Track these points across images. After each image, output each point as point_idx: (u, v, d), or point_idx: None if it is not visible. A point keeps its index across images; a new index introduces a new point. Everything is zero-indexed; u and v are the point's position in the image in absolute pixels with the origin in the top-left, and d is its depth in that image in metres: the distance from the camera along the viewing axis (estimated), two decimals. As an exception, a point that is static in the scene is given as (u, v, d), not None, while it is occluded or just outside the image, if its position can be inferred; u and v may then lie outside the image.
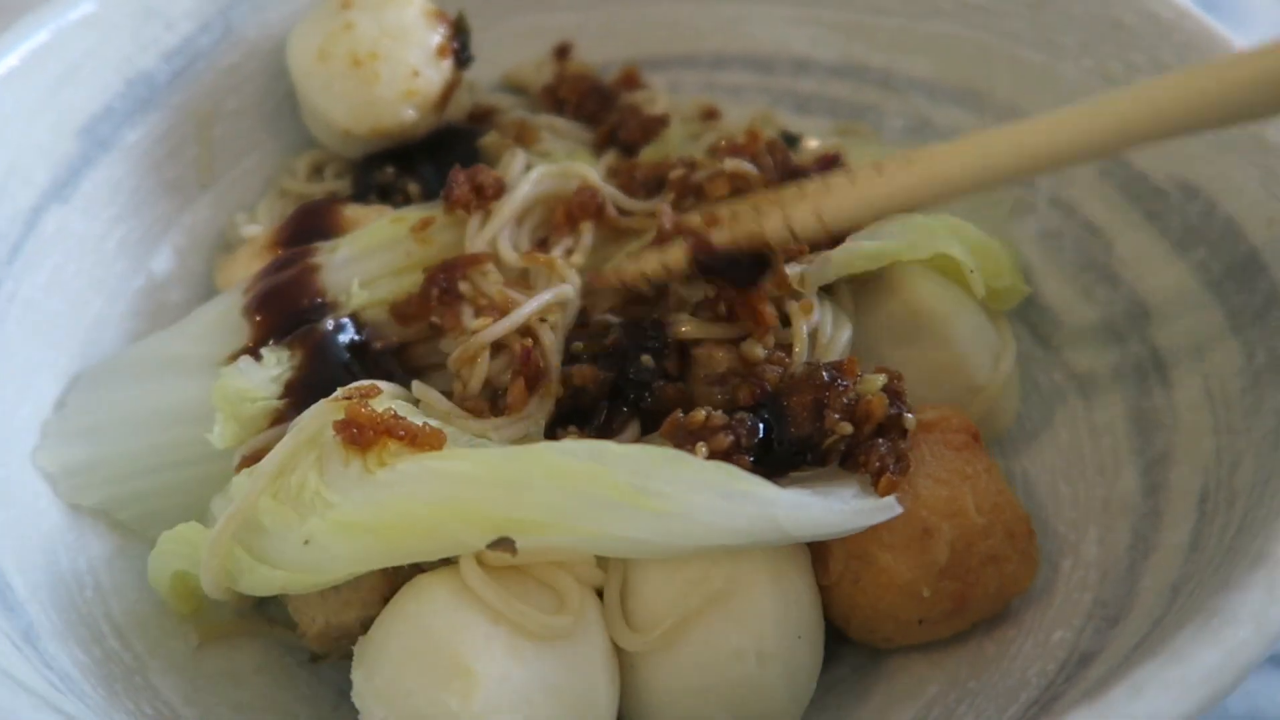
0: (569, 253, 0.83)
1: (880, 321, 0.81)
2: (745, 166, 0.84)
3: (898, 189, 0.68)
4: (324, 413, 0.70)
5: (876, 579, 0.70)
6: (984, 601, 0.72)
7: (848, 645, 0.76)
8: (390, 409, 0.70)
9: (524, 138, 0.93)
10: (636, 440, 0.74)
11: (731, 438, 0.67)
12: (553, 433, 0.74)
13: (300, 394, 0.75)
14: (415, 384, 0.77)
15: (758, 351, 0.74)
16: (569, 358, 0.77)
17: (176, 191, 0.98)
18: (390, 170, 0.95)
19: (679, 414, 0.70)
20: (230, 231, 0.99)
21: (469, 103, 1.00)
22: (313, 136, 1.01)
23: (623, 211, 0.86)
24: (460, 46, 0.96)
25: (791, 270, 0.76)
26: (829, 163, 0.87)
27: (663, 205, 0.83)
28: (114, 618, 0.74)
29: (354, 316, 0.81)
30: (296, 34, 0.96)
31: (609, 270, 0.80)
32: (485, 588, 0.64)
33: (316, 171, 1.01)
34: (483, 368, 0.75)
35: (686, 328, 0.77)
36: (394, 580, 0.69)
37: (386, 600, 0.68)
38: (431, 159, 0.96)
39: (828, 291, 0.80)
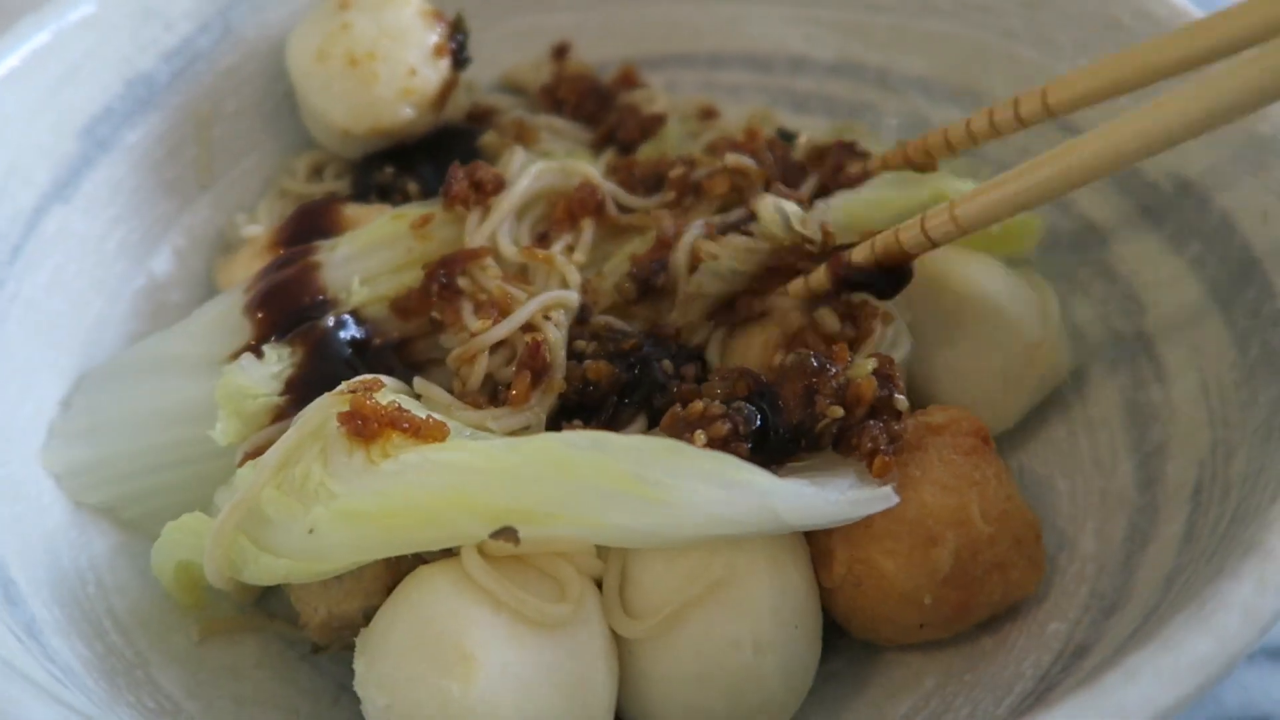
0: (569, 249, 0.83)
1: (931, 326, 0.82)
2: (745, 161, 0.85)
3: (1034, 183, 0.69)
4: (328, 405, 0.70)
5: (878, 585, 0.70)
6: (986, 607, 0.73)
7: (845, 638, 0.76)
8: (394, 401, 0.70)
9: (523, 137, 0.94)
10: (643, 432, 0.74)
11: (729, 425, 0.67)
12: (557, 425, 0.75)
13: (302, 390, 0.76)
14: (417, 380, 0.78)
15: (833, 322, 0.77)
16: (572, 355, 0.77)
17: (176, 192, 0.98)
18: (389, 170, 0.96)
19: (678, 408, 0.71)
20: (230, 232, 1.00)
21: (467, 103, 1.01)
22: (312, 137, 1.01)
23: (623, 209, 0.86)
24: (458, 47, 0.97)
25: (792, 209, 0.77)
26: (845, 150, 0.88)
27: (661, 211, 0.84)
28: (116, 613, 0.75)
29: (354, 313, 0.82)
30: (295, 35, 0.97)
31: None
32: (486, 576, 0.65)
33: (316, 172, 1.02)
34: (482, 366, 0.76)
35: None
36: (396, 570, 0.70)
37: (389, 590, 0.69)
38: (431, 159, 0.97)
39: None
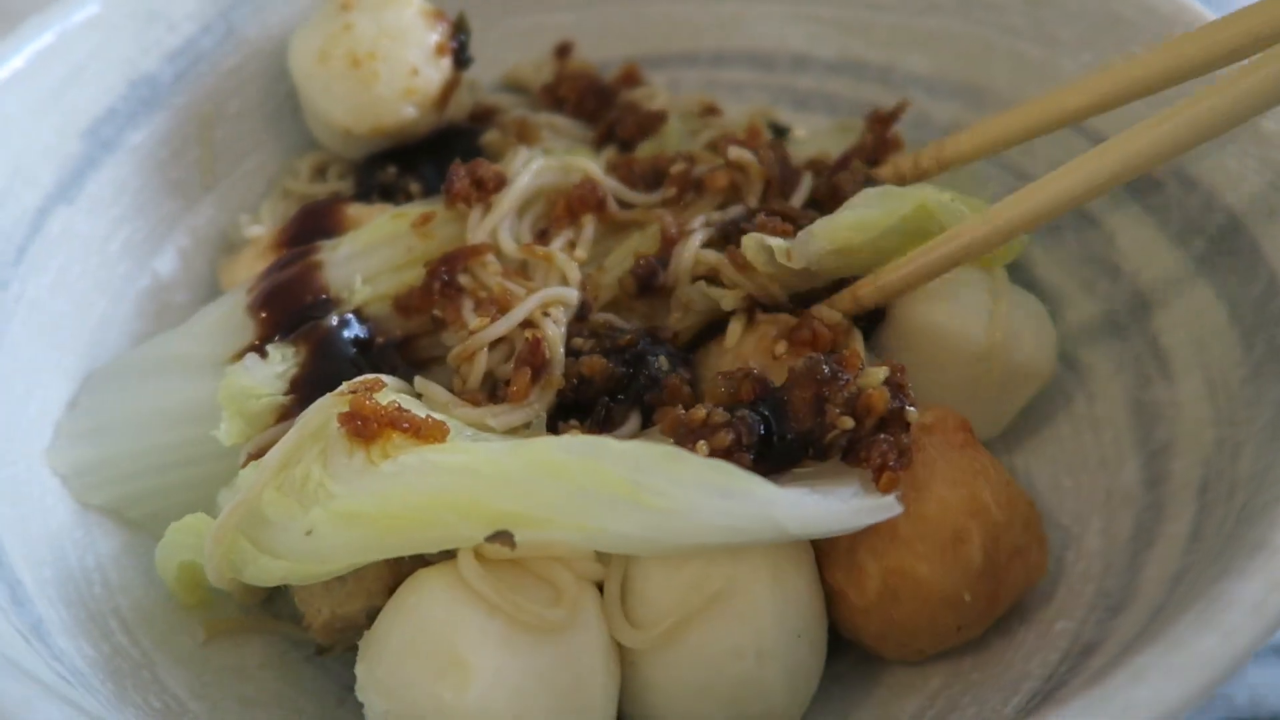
0: (571, 245, 0.83)
1: (889, 352, 0.82)
2: (747, 156, 0.85)
3: (1055, 194, 0.73)
4: (329, 406, 0.70)
5: (917, 592, 0.69)
6: (1010, 595, 0.72)
7: (850, 641, 0.76)
8: (394, 402, 0.70)
9: (524, 136, 0.94)
10: (637, 433, 0.74)
11: (733, 435, 0.67)
12: (554, 426, 0.75)
13: (305, 389, 0.76)
14: (417, 379, 0.77)
15: (832, 314, 0.78)
16: (570, 352, 0.77)
17: (180, 192, 0.99)
18: (392, 170, 0.96)
19: (679, 410, 0.71)
20: (234, 232, 1.00)
21: (470, 103, 1.01)
22: (315, 138, 1.01)
23: (623, 204, 0.86)
24: (460, 46, 0.97)
25: (776, 244, 0.77)
26: (843, 164, 0.88)
27: (663, 212, 0.83)
28: (122, 613, 0.75)
29: (357, 312, 0.82)
30: (297, 36, 0.97)
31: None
32: (481, 581, 0.65)
33: (319, 172, 1.02)
34: (481, 364, 0.76)
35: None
36: (398, 571, 0.70)
37: (391, 591, 0.69)
38: (433, 159, 0.97)
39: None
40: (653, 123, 0.96)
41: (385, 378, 0.75)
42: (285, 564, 0.67)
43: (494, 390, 0.76)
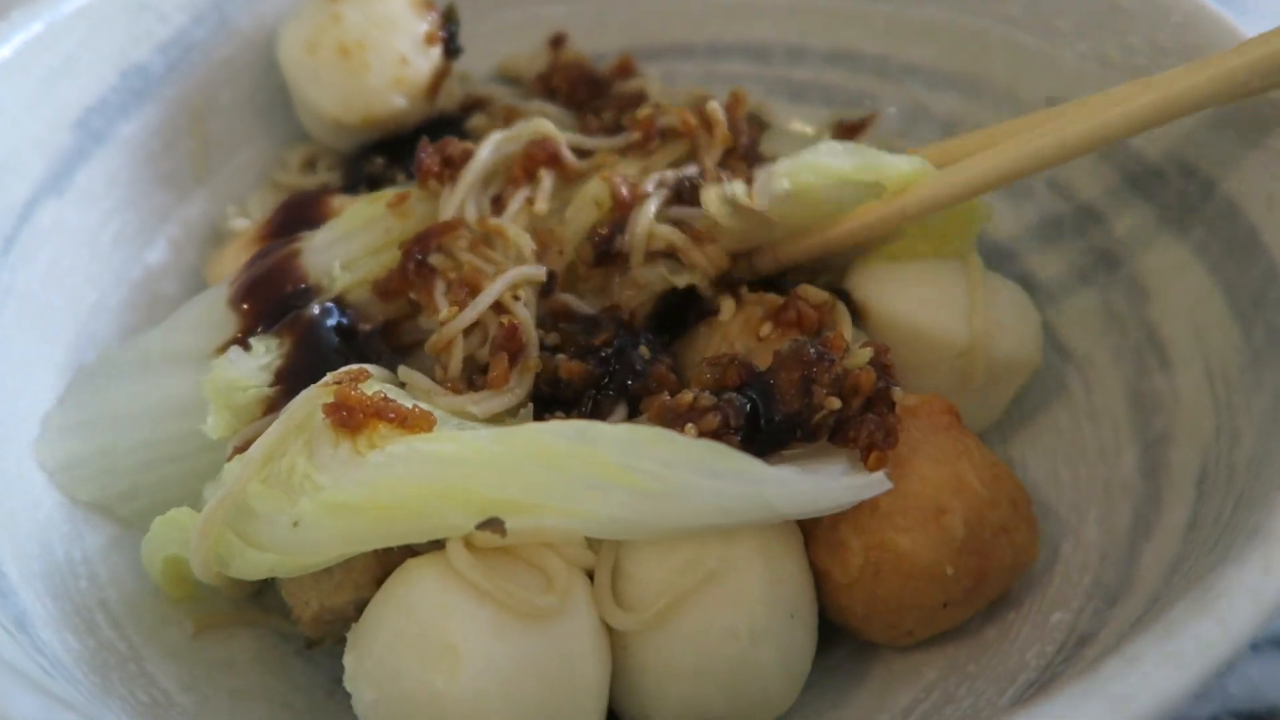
0: (530, 202, 0.82)
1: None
2: (719, 114, 0.85)
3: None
4: (313, 398, 0.70)
5: (899, 566, 0.69)
6: (1000, 575, 0.72)
7: (844, 629, 0.75)
8: (380, 392, 0.70)
9: (511, 122, 0.93)
10: (624, 421, 0.74)
11: (720, 418, 0.67)
12: (540, 417, 0.74)
13: (291, 380, 0.75)
14: (401, 369, 0.77)
15: (818, 293, 0.79)
16: (542, 347, 0.77)
17: (172, 185, 0.98)
18: (380, 161, 0.96)
19: (665, 396, 0.70)
20: (223, 225, 1.00)
21: (461, 93, 1.01)
22: (305, 130, 1.01)
23: (582, 153, 0.86)
24: (449, 36, 0.97)
25: (738, 189, 0.78)
26: None
27: (614, 172, 0.82)
28: (109, 607, 0.74)
29: (338, 299, 0.82)
30: (286, 27, 0.97)
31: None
32: (470, 568, 0.64)
33: (309, 164, 1.02)
34: (458, 352, 0.75)
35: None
36: (386, 562, 0.69)
37: (379, 582, 0.68)
38: (423, 149, 0.96)
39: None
40: (632, 105, 0.95)
41: (370, 368, 0.75)
42: (272, 557, 0.66)
43: (473, 376, 0.76)
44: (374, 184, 0.95)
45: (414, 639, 0.63)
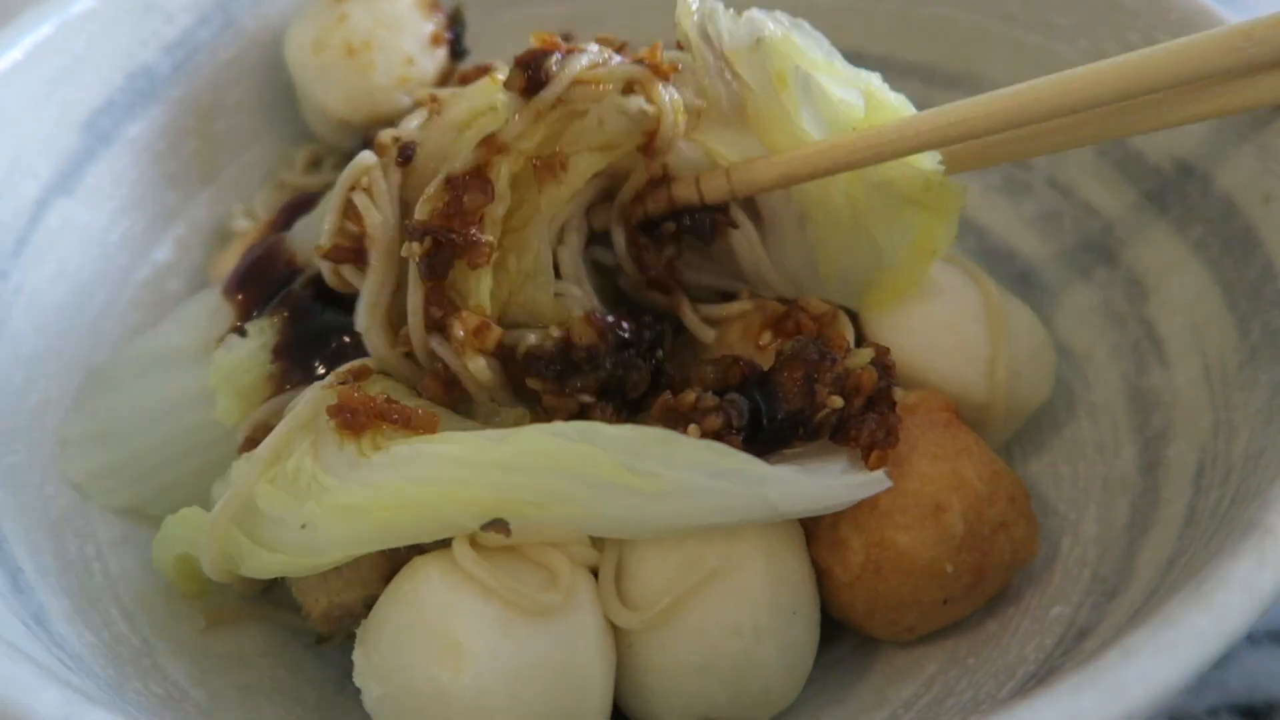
0: (433, 102, 0.81)
1: None
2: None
3: (804, 161, 0.75)
4: (318, 399, 0.71)
5: (899, 563, 0.70)
6: (1000, 571, 0.73)
7: (847, 627, 0.76)
8: (383, 392, 0.71)
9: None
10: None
11: (722, 418, 0.67)
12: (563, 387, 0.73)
13: (290, 354, 0.77)
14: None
15: (819, 303, 0.78)
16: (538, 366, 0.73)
17: (178, 184, 0.99)
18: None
19: (669, 396, 0.71)
20: (229, 224, 1.00)
21: (467, 92, 1.01)
22: (311, 129, 1.02)
23: None
24: (455, 37, 0.97)
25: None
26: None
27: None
28: (122, 601, 0.75)
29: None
30: (292, 27, 0.98)
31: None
32: (476, 567, 0.65)
33: (315, 164, 1.02)
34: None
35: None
36: (393, 560, 0.70)
37: (387, 580, 0.69)
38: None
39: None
40: None
41: (371, 363, 0.75)
42: (282, 557, 0.68)
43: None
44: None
45: (420, 635, 0.64)
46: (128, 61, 0.94)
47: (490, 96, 0.77)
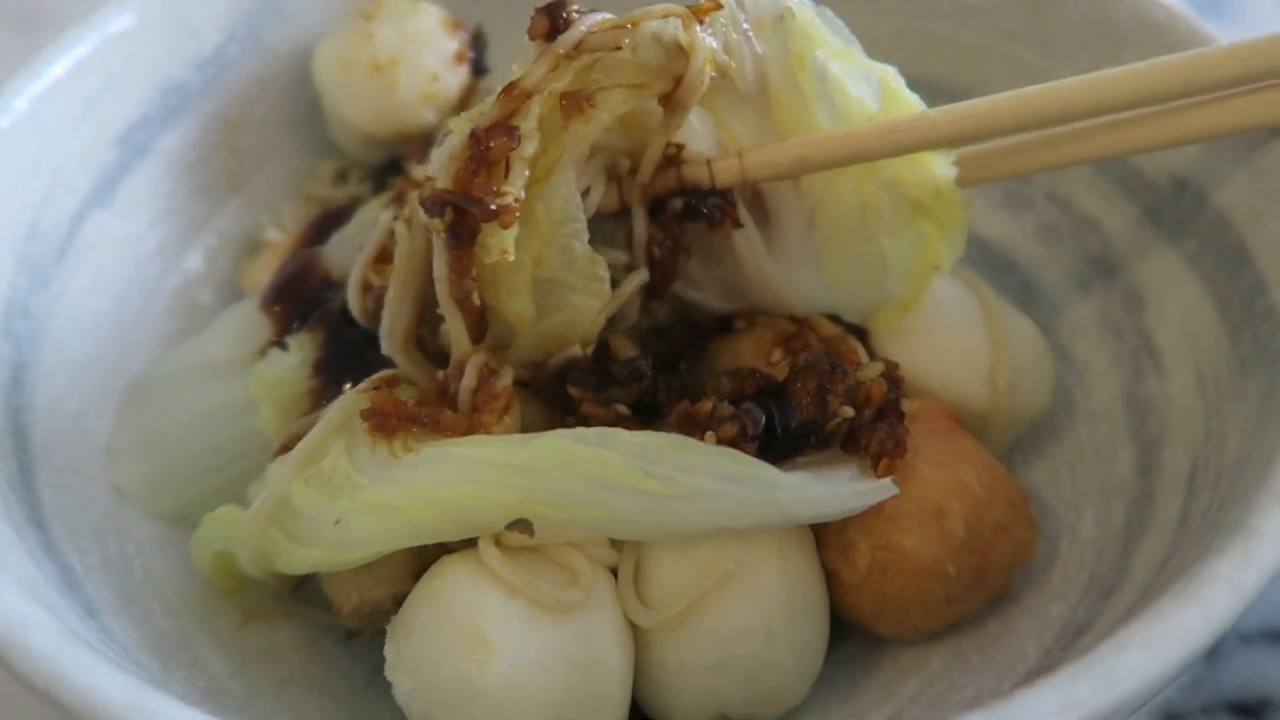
0: None
1: None
2: None
3: (820, 149, 0.75)
4: (351, 403, 0.74)
5: (903, 565, 0.73)
6: (999, 572, 0.76)
7: (854, 626, 0.79)
8: (413, 397, 0.74)
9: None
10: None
11: (738, 426, 0.70)
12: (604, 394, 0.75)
13: (329, 370, 0.80)
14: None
15: (830, 326, 0.80)
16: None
17: (208, 195, 1.02)
18: (399, 176, 1.00)
19: (687, 404, 0.74)
20: (257, 234, 1.03)
21: (487, 108, 1.04)
22: (336, 143, 1.05)
23: None
24: (477, 55, 1.01)
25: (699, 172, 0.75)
26: None
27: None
28: (162, 597, 0.79)
29: None
30: (321, 45, 1.01)
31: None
32: (501, 565, 0.68)
33: (340, 177, 1.06)
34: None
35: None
36: (422, 558, 0.73)
37: (416, 577, 0.72)
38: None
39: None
40: None
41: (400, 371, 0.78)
42: (317, 553, 0.71)
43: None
44: (402, 197, 0.99)
45: (449, 631, 0.67)
46: (161, 78, 0.97)
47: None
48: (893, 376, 0.73)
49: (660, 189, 0.77)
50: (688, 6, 0.72)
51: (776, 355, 0.79)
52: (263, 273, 0.95)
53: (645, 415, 0.76)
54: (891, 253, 0.80)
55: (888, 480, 0.71)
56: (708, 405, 0.72)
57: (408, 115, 0.97)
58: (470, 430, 0.71)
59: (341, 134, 1.03)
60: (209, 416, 0.84)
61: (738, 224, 0.78)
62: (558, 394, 0.75)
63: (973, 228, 0.95)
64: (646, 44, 0.70)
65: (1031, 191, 0.97)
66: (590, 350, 0.75)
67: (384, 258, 0.80)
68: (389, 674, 0.70)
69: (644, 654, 0.72)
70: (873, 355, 0.82)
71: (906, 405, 0.73)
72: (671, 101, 0.72)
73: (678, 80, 0.71)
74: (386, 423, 0.71)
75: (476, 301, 0.71)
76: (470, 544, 0.71)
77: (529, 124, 0.68)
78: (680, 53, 0.71)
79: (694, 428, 0.71)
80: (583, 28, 0.69)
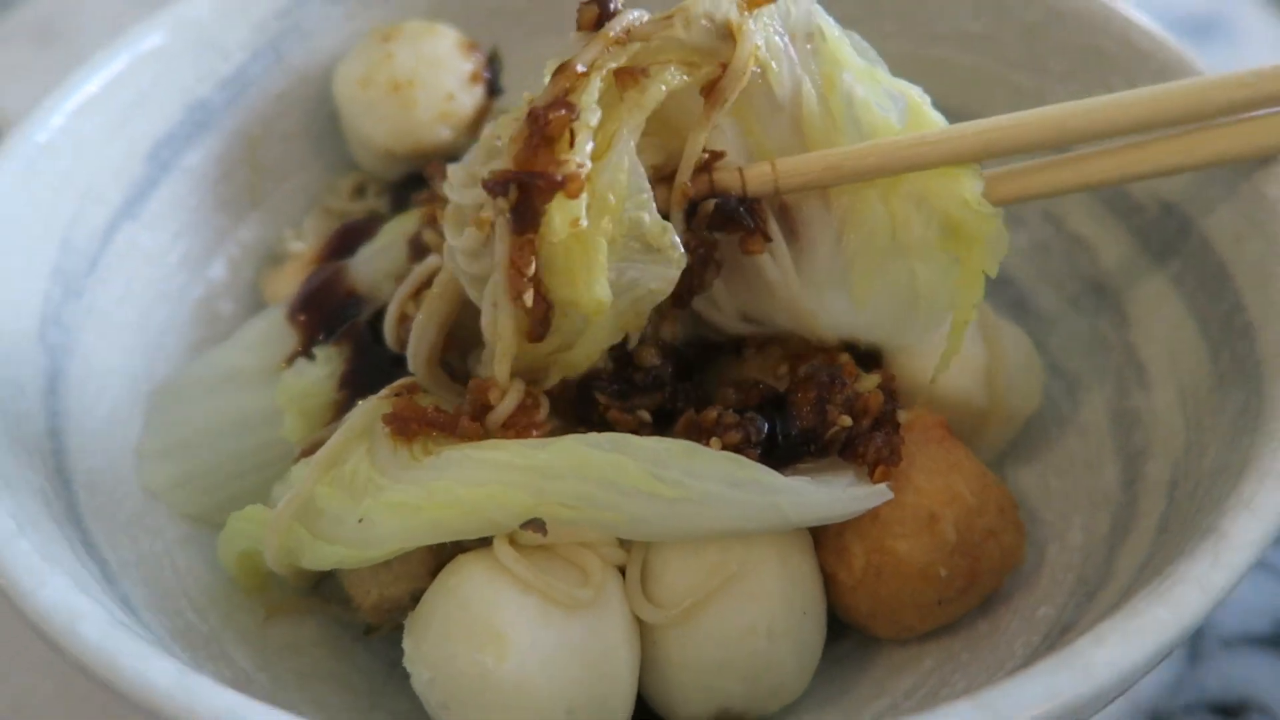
0: None
1: None
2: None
3: (854, 162, 0.75)
4: (373, 409, 0.77)
5: (897, 568, 0.76)
6: (990, 575, 0.79)
7: (850, 626, 0.82)
8: (434, 403, 0.77)
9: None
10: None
11: (741, 433, 0.74)
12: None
13: (354, 383, 0.83)
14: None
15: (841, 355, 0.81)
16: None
17: (229, 209, 1.05)
18: (427, 193, 1.03)
19: (692, 412, 0.77)
20: (278, 246, 1.07)
21: (500, 127, 1.08)
22: (354, 158, 1.08)
23: None
24: (492, 76, 1.04)
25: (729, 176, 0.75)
26: None
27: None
28: (190, 594, 0.82)
29: (385, 305, 0.88)
30: (341, 65, 1.04)
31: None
32: (516, 564, 0.71)
33: (358, 191, 1.09)
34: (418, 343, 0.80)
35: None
36: (439, 556, 0.76)
37: (433, 574, 0.76)
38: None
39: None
40: None
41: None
42: (340, 549, 0.74)
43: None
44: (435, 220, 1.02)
45: (466, 625, 0.70)
46: (187, 96, 1.00)
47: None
48: (889, 388, 0.77)
49: (693, 194, 0.77)
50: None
51: (783, 370, 0.82)
52: (286, 282, 0.99)
53: (661, 422, 0.79)
54: (923, 279, 0.78)
55: (883, 486, 0.74)
56: (713, 413, 0.76)
57: (424, 133, 1.01)
58: (487, 437, 0.75)
59: (360, 150, 1.06)
60: (236, 423, 0.88)
61: (767, 237, 0.77)
62: (574, 401, 0.79)
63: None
64: (697, 21, 0.71)
65: (1026, 210, 1.00)
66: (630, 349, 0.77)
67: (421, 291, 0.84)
68: (407, 665, 0.73)
69: (650, 650, 0.75)
70: (881, 363, 0.83)
71: (902, 415, 0.77)
72: (714, 91, 0.72)
73: (723, 67, 0.72)
74: (407, 427, 0.75)
75: (529, 302, 0.70)
76: (485, 543, 0.74)
77: (589, 97, 0.68)
78: (729, 36, 0.71)
79: (700, 434, 0.75)
80: (631, 15, 0.71)
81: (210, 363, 0.93)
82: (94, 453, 0.85)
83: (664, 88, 0.70)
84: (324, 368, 0.85)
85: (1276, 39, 1.50)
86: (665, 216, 0.73)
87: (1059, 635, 0.74)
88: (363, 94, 1.02)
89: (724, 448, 0.73)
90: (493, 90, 1.04)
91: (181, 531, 0.87)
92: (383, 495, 0.73)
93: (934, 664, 0.81)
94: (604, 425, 0.77)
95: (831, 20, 0.78)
